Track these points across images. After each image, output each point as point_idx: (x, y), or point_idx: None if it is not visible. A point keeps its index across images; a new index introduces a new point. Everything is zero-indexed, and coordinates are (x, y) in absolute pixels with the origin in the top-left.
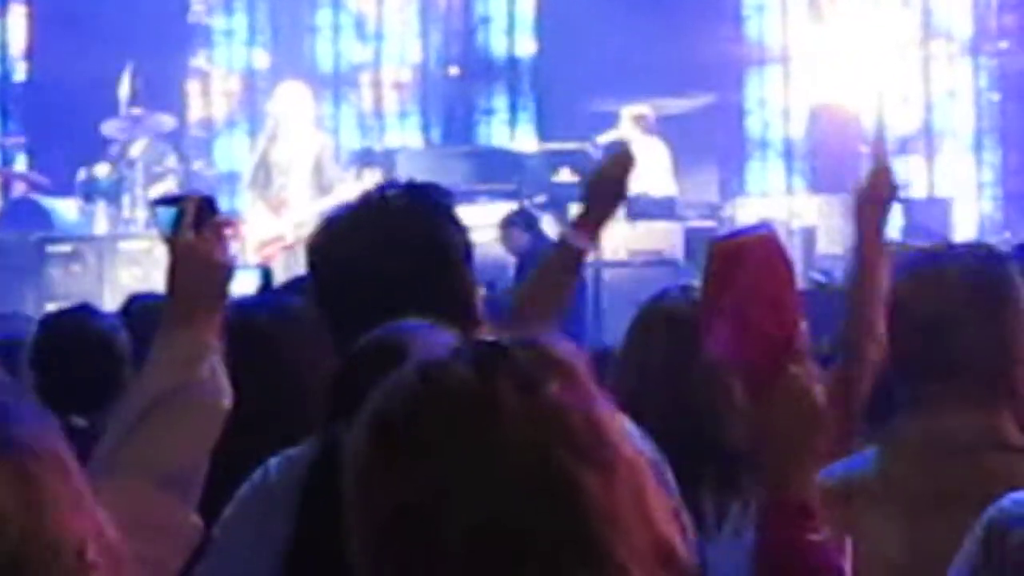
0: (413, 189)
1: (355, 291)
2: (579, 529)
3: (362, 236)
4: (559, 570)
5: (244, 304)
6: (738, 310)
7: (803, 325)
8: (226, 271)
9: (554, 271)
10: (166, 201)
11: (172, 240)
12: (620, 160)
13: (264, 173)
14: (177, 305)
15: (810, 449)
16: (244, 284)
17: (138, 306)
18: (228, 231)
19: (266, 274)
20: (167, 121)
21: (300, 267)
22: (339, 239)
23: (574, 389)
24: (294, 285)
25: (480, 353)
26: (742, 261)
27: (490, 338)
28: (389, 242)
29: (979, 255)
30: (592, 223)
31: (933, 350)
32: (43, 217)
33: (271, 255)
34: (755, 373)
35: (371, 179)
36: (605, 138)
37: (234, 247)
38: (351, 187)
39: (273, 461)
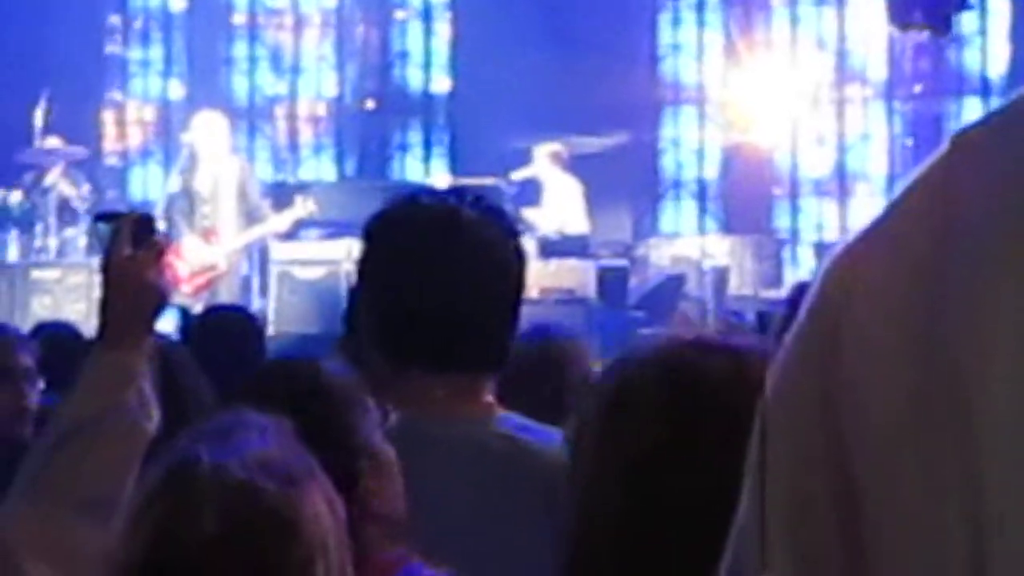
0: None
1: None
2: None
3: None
4: None
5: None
6: None
7: None
8: (159, 293)
9: None
10: (106, 216)
11: (106, 257)
12: None
13: (187, 202)
14: (108, 325)
15: None
16: (163, 323)
17: (45, 334)
18: (166, 252)
19: (184, 313)
20: (79, 150)
21: (232, 295)
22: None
23: None
24: (213, 314)
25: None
26: None
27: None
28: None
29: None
30: None
31: None
32: None
33: (203, 284)
34: None
35: (303, 208)
36: (520, 175)
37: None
38: (283, 217)
39: None
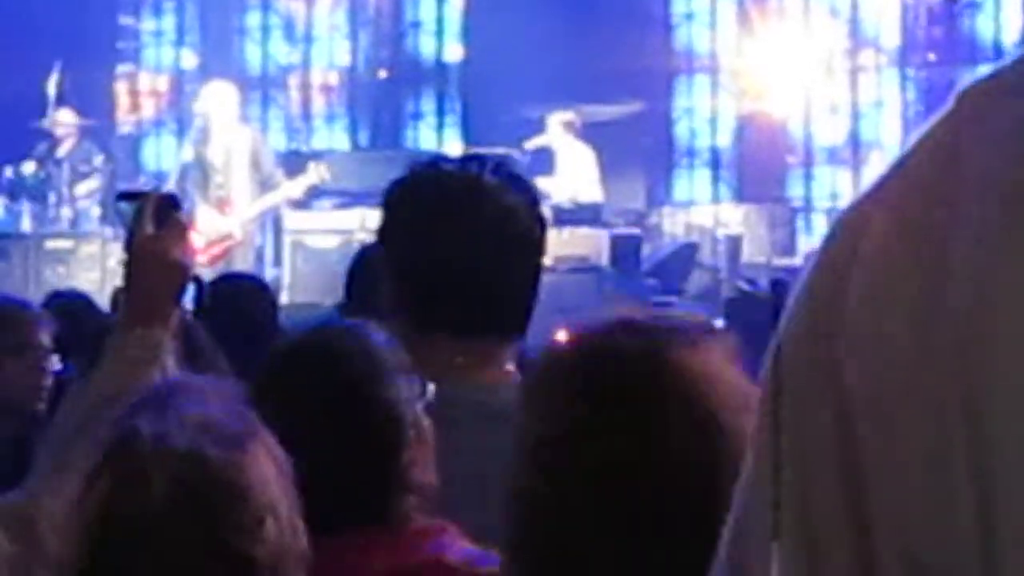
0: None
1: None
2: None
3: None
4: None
5: None
6: None
7: None
8: (183, 270)
9: None
10: (130, 195)
11: (130, 236)
12: None
13: (200, 173)
14: (132, 304)
15: None
16: None
17: (59, 304)
18: (189, 230)
19: (199, 284)
20: (92, 121)
21: (247, 265)
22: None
23: None
24: (224, 282)
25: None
26: None
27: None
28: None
29: None
30: None
31: None
32: None
33: (219, 254)
34: None
35: (316, 174)
36: (533, 143)
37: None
38: (297, 183)
39: None
